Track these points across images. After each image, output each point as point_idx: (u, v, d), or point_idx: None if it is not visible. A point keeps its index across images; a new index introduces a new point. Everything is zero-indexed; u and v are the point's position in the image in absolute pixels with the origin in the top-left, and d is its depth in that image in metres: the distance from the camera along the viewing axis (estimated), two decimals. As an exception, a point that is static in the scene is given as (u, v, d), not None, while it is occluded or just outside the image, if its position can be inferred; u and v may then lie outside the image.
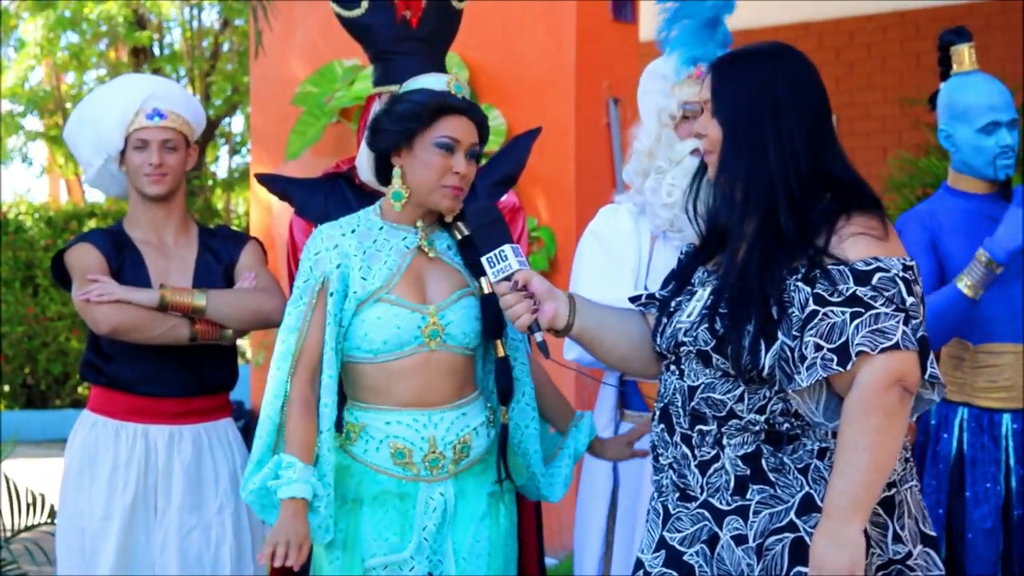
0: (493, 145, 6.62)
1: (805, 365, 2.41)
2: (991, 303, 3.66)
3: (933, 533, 2.58)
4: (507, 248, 2.72)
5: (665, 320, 2.66)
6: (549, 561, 6.26)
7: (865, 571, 2.43)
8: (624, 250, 3.34)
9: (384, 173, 3.04)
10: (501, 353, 3.02)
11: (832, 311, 2.41)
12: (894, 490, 2.52)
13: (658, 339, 2.66)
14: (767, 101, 2.54)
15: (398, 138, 2.94)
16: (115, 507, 3.60)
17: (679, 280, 2.72)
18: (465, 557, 3.01)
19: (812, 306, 2.43)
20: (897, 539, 2.50)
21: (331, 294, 2.95)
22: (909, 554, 2.52)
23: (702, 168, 2.72)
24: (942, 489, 3.73)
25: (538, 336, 2.67)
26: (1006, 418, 3.71)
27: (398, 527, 2.98)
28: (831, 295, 2.42)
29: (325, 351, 2.94)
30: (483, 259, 2.72)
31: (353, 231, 3.01)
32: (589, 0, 6.66)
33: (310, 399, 2.94)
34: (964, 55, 3.92)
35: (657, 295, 2.80)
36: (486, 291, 2.98)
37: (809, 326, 2.42)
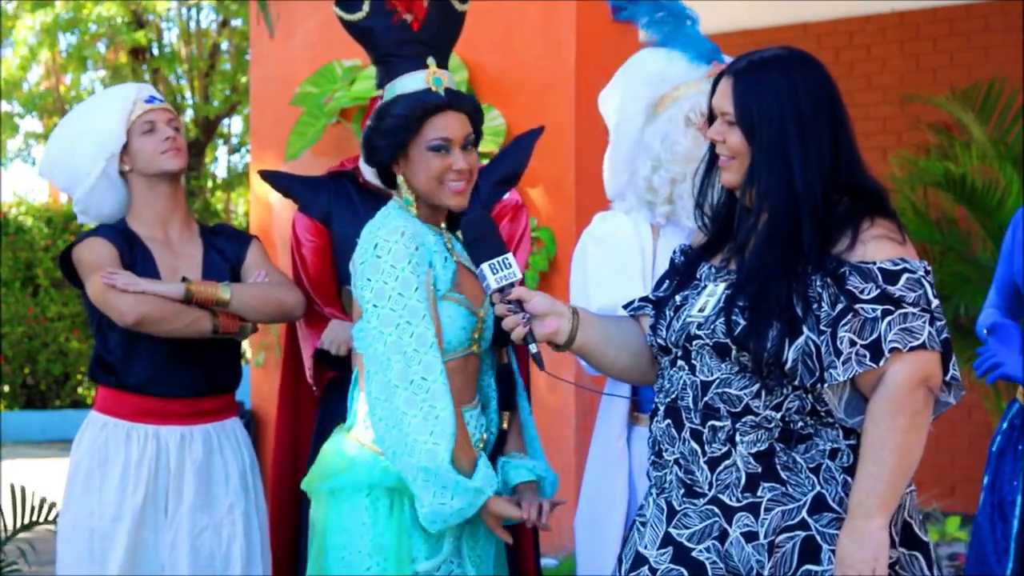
0: (492, 146, 6.62)
1: (841, 360, 2.44)
2: None
3: (926, 539, 2.59)
4: (510, 256, 2.72)
5: (671, 315, 2.65)
6: (549, 561, 6.26)
7: None
8: (628, 253, 3.31)
9: (388, 181, 3.05)
10: (504, 360, 3.03)
11: (863, 308, 2.44)
12: None
13: (662, 334, 2.65)
14: (791, 113, 2.54)
15: (393, 151, 2.96)
16: (126, 508, 3.59)
17: (682, 276, 2.72)
18: (480, 555, 3.01)
19: (844, 302, 2.45)
20: (892, 544, 2.51)
21: (436, 290, 2.90)
22: (901, 559, 2.54)
23: (709, 167, 2.71)
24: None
25: (532, 348, 2.67)
26: None
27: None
28: (862, 292, 2.44)
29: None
30: (485, 265, 2.70)
31: (412, 227, 2.92)
32: (589, 0, 6.67)
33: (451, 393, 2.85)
34: None
35: (652, 296, 2.79)
36: None
37: (843, 322, 2.44)
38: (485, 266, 2.70)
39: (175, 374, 3.64)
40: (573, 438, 6.45)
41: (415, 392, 2.78)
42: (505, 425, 3.06)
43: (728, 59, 3.31)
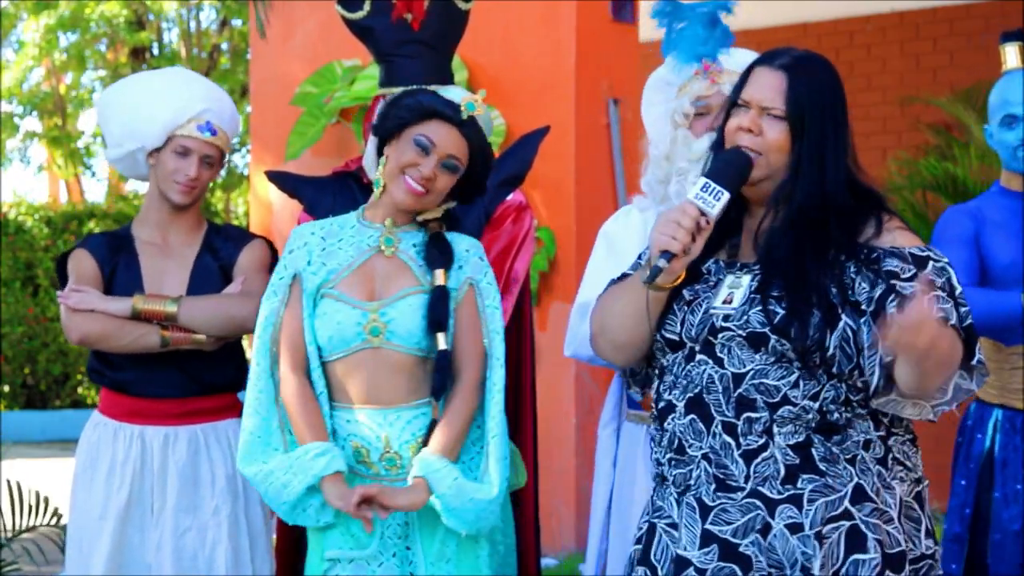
0: (492, 146, 6.63)
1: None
2: None
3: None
4: (724, 193, 2.57)
5: (684, 310, 2.63)
6: (549, 561, 6.27)
7: (899, 563, 2.48)
8: (628, 252, 3.32)
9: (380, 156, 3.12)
10: (442, 346, 3.00)
11: (902, 286, 2.47)
12: (922, 485, 2.58)
13: (673, 328, 2.62)
14: (830, 112, 2.61)
15: (395, 125, 3.03)
16: (110, 507, 3.60)
17: (686, 272, 2.68)
18: (433, 562, 3.01)
19: (885, 282, 2.48)
20: (928, 535, 2.54)
21: (304, 291, 3.02)
22: (936, 552, 2.56)
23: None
24: (971, 489, 3.74)
25: (661, 262, 2.56)
26: None
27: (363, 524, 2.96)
28: (901, 272, 2.49)
29: (308, 347, 3.01)
30: (704, 179, 2.58)
31: (323, 228, 3.10)
32: (589, 0, 6.67)
33: (305, 385, 3.00)
34: (1006, 55, 4.01)
35: None
36: (439, 283, 3.02)
37: (889, 300, 2.46)
38: (704, 179, 2.59)
39: (159, 375, 3.64)
40: (573, 438, 6.46)
41: (249, 376, 3.07)
42: (435, 415, 3.01)
43: (738, 52, 3.34)
